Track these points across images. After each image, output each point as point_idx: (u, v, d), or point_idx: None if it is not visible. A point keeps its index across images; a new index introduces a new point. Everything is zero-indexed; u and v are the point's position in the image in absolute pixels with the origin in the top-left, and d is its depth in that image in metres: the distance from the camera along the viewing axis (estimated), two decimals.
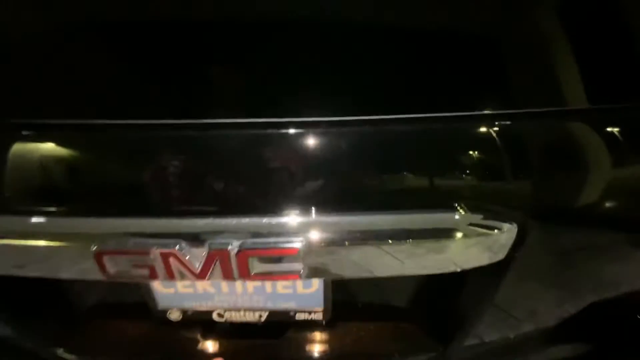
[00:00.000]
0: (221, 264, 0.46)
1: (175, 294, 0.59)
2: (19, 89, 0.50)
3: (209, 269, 0.47)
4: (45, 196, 0.49)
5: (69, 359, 0.63)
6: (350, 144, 0.47)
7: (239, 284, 0.59)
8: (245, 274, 0.47)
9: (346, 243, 0.46)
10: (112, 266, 0.47)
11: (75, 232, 0.47)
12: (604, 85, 0.53)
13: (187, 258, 0.46)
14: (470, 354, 0.66)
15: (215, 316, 0.62)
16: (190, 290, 0.59)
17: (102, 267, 0.47)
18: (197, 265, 0.46)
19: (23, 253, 0.48)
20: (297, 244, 0.45)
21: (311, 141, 0.46)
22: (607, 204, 0.54)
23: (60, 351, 0.63)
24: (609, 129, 0.50)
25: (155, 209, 0.47)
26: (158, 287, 0.58)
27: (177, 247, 0.45)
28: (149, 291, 0.59)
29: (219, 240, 0.46)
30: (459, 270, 0.49)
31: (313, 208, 0.46)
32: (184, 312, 0.61)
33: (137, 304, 0.61)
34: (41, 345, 0.64)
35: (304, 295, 0.59)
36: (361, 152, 0.48)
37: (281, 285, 0.58)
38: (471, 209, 0.47)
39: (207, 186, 0.46)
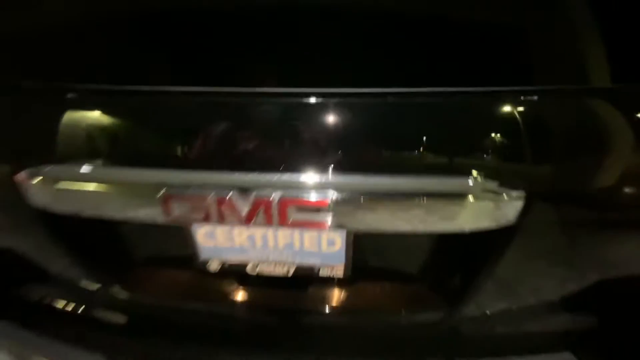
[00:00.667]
0: (264, 211, 0.54)
1: (216, 247, 0.66)
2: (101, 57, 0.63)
3: (254, 214, 0.55)
4: (129, 149, 0.61)
5: (122, 297, 0.72)
6: (379, 113, 0.56)
7: (271, 239, 0.65)
8: (283, 221, 0.55)
9: (369, 200, 0.54)
10: (176, 208, 0.56)
11: (147, 179, 0.57)
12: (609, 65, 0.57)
13: (236, 204, 0.54)
14: (473, 318, 0.70)
15: (248, 269, 0.68)
16: (228, 244, 0.65)
17: (167, 210, 0.56)
18: (244, 211, 0.54)
19: (104, 197, 0.59)
20: (327, 198, 0.54)
21: (343, 111, 0.55)
22: (614, 183, 0.57)
23: (115, 289, 0.72)
24: (617, 107, 0.54)
25: (213, 163, 0.57)
26: (201, 239, 0.65)
27: (230, 195, 0.54)
28: (193, 243, 0.65)
29: (264, 191, 0.54)
30: (469, 230, 0.55)
31: (343, 168, 0.55)
32: (222, 263, 0.68)
33: (182, 255, 0.68)
34: (99, 284, 0.72)
35: (327, 254, 0.65)
36: (390, 122, 0.56)
37: (308, 243, 0.64)
38: (484, 176, 0.53)
39: (256, 147, 0.56)
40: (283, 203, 0.54)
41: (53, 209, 0.59)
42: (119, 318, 0.75)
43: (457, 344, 0.73)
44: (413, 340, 0.73)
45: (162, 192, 0.55)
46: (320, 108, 0.55)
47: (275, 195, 0.54)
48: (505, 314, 0.70)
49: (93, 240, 0.70)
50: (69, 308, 0.75)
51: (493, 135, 0.55)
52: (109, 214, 0.60)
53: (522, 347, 0.72)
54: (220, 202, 0.54)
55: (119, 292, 0.72)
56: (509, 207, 0.54)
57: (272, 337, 0.73)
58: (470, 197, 0.53)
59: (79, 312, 0.75)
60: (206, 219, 0.56)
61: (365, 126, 0.56)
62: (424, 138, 0.55)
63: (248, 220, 0.55)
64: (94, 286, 0.73)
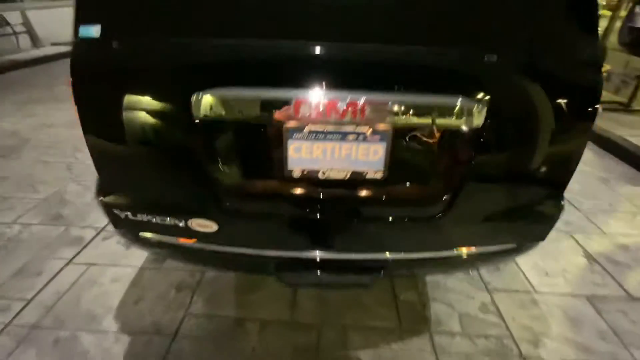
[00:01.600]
0: (352, 111, 0.84)
1: (299, 159, 0.93)
2: None
3: (346, 112, 0.84)
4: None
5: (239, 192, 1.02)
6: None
7: (337, 151, 0.92)
8: (362, 117, 0.85)
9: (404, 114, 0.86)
10: (303, 110, 0.84)
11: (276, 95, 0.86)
12: None
13: (338, 105, 0.83)
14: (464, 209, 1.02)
15: (320, 174, 0.96)
16: (308, 156, 0.93)
17: (296, 111, 0.84)
18: (341, 109, 0.83)
19: (242, 105, 0.88)
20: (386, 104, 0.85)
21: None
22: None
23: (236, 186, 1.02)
24: None
25: (323, 83, 0.84)
26: (291, 154, 0.92)
27: (333, 97, 0.84)
28: (285, 157, 0.93)
29: (354, 96, 0.84)
30: (459, 129, 0.88)
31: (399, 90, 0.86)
32: (302, 171, 0.96)
33: (276, 168, 0.96)
34: (230, 180, 1.00)
35: (372, 161, 0.94)
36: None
37: (361, 154, 0.92)
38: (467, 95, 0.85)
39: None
40: (364, 105, 0.83)
41: (209, 117, 0.87)
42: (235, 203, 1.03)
43: (450, 230, 1.07)
44: (422, 227, 1.07)
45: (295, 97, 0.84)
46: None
47: (360, 100, 0.83)
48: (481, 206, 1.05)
49: (228, 144, 0.97)
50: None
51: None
52: (246, 117, 0.88)
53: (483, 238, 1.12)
54: (331, 104, 0.84)
55: (238, 189, 1.03)
56: (479, 114, 0.87)
57: (333, 222, 1.08)
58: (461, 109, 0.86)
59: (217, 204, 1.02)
60: (318, 116, 0.85)
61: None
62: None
63: (342, 116, 0.84)
64: (229, 180, 1.00)
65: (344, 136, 0.90)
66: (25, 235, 1.97)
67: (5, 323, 1.44)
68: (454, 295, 1.62)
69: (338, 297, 1.59)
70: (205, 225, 1.02)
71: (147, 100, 0.89)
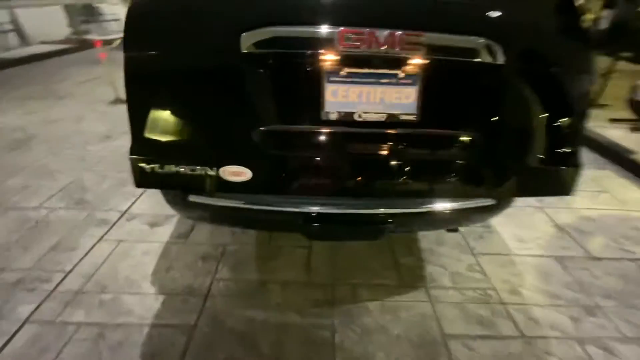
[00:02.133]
0: (392, 39, 0.95)
1: (336, 102, 1.04)
2: None
3: (388, 41, 0.95)
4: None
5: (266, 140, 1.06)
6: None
7: (372, 95, 1.03)
8: (400, 45, 0.96)
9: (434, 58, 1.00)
10: (347, 39, 0.94)
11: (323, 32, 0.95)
12: None
13: (378, 36, 0.94)
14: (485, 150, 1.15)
15: (356, 116, 1.06)
16: (344, 99, 1.04)
17: (340, 39, 0.94)
18: (382, 40, 0.95)
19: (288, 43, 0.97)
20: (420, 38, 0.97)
21: None
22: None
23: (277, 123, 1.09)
24: None
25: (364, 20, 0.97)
26: (328, 97, 1.03)
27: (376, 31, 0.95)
28: (322, 101, 1.03)
29: (394, 30, 0.95)
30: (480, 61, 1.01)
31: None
32: (339, 113, 1.05)
33: (313, 110, 1.05)
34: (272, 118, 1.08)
35: (406, 104, 1.05)
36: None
37: (394, 97, 1.04)
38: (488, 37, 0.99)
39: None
40: (402, 36, 0.95)
41: (257, 52, 0.96)
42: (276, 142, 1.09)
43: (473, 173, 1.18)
44: (446, 168, 1.17)
45: (339, 28, 0.94)
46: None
47: (398, 32, 0.95)
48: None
49: (270, 84, 1.03)
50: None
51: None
52: (287, 56, 1.00)
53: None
54: (371, 35, 0.94)
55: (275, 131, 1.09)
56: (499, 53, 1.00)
57: (368, 160, 1.14)
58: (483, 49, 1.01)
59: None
60: (363, 44, 0.94)
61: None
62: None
63: (383, 44, 0.95)
64: (268, 121, 1.08)
65: (378, 79, 1.01)
66: (53, 218, 2.11)
67: (50, 290, 1.60)
68: (445, 259, 1.89)
69: (347, 261, 1.83)
70: (239, 173, 1.05)
71: (198, 38, 0.98)
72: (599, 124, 3.70)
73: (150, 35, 1.00)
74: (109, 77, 4.16)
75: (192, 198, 1.28)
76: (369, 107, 1.04)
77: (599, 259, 1.94)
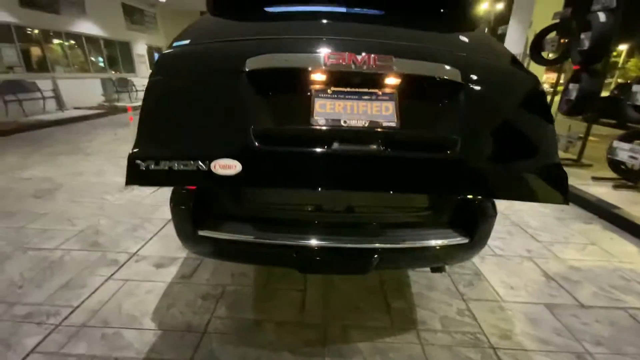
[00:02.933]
0: (367, 61, 1.16)
1: (324, 112, 1.20)
2: None
3: (362, 60, 1.16)
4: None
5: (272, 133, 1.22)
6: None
7: (355, 108, 1.21)
8: (374, 64, 1.17)
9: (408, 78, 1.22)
10: (327, 60, 1.16)
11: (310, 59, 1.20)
12: None
13: (355, 58, 1.17)
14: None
15: (342, 122, 1.20)
16: (331, 110, 1.20)
17: (325, 61, 1.16)
18: (360, 58, 1.17)
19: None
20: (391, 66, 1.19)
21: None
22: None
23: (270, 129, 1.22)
24: None
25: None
26: (317, 108, 1.20)
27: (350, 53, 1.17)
28: (311, 111, 1.19)
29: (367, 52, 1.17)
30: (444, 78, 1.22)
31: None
32: (327, 120, 1.20)
33: (302, 119, 1.20)
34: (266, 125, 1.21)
35: (386, 115, 1.22)
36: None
37: (375, 110, 1.22)
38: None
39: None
40: (374, 59, 1.17)
41: (257, 69, 1.18)
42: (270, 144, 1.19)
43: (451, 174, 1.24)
44: (425, 168, 1.23)
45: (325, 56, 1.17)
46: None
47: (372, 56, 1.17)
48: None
49: (266, 97, 1.21)
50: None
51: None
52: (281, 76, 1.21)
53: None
54: (348, 58, 1.17)
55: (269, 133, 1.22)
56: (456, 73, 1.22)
57: (353, 158, 1.20)
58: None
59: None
60: (341, 60, 1.16)
61: None
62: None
63: (360, 62, 1.16)
64: (262, 125, 1.20)
65: (360, 96, 1.20)
66: (67, 259, 2.26)
67: (57, 324, 1.69)
68: (436, 304, 1.95)
69: (340, 304, 1.90)
70: (229, 166, 1.13)
71: (212, 61, 1.26)
72: (583, 182, 3.94)
73: (172, 69, 1.29)
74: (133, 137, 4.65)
75: (202, 233, 1.47)
76: (354, 116, 1.21)
77: (588, 306, 1.98)
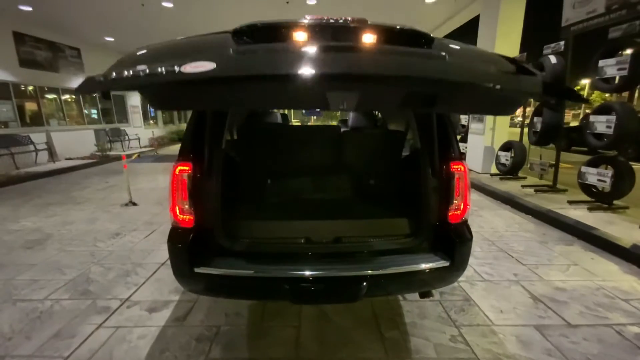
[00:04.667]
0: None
1: None
2: None
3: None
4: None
5: None
6: None
7: None
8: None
9: None
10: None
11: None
12: None
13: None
14: None
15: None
16: None
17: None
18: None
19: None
20: None
21: None
22: None
23: None
24: None
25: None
26: None
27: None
28: None
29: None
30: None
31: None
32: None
33: None
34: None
35: None
36: None
37: None
38: None
39: None
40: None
41: None
42: None
43: None
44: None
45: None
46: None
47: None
48: None
49: None
50: None
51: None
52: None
53: None
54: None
55: None
56: None
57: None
58: None
59: None
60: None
61: None
62: None
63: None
64: None
65: None
66: (57, 308, 2.23)
67: None
68: (429, 332, 1.98)
69: (334, 337, 1.91)
70: (200, 66, 0.98)
71: None
72: (560, 207, 4.14)
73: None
74: (126, 184, 4.76)
75: (198, 270, 1.54)
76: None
77: (576, 325, 2.03)
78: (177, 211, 1.59)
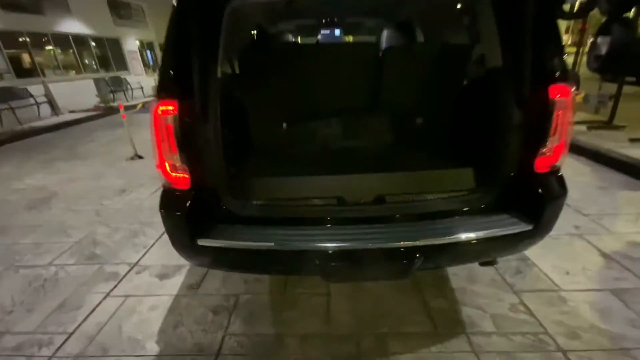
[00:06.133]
0: None
1: None
2: None
3: None
4: None
5: None
6: None
7: None
8: None
9: None
10: None
11: None
12: None
13: None
14: None
15: None
16: None
17: None
18: None
19: None
20: None
21: None
22: None
23: None
24: None
25: None
26: None
27: None
28: None
29: None
30: None
31: None
32: None
33: None
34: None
35: None
36: None
37: None
38: None
39: None
40: None
41: None
42: None
43: None
44: None
45: None
46: None
47: None
48: None
49: None
50: None
51: None
52: None
53: None
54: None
55: None
56: None
57: None
58: None
59: None
60: None
61: None
62: None
63: None
64: None
65: None
66: (62, 275, 2.04)
67: (49, 356, 1.47)
68: (482, 299, 1.67)
69: (370, 308, 1.64)
70: None
71: None
72: (620, 145, 3.55)
73: None
74: (129, 137, 4.40)
75: (202, 242, 1.20)
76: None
77: None
78: (167, 168, 1.21)
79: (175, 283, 1.90)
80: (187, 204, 1.21)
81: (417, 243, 1.14)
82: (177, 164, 1.19)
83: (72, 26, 9.73)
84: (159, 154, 1.19)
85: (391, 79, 1.69)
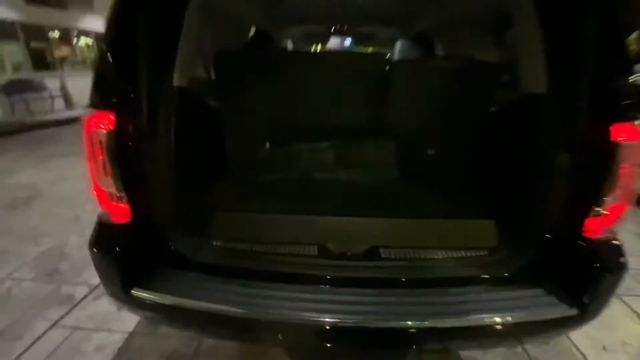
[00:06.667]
0: None
1: None
2: None
3: None
4: None
5: None
6: None
7: None
8: None
9: None
10: None
11: None
12: None
13: None
14: None
15: None
16: None
17: None
18: None
19: None
20: None
21: None
22: None
23: None
24: None
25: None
26: None
27: None
28: None
29: None
30: None
31: None
32: None
33: None
34: None
35: None
36: None
37: None
38: None
39: None
40: None
41: None
42: None
43: None
44: None
45: None
46: None
47: None
48: None
49: None
50: None
51: None
52: None
53: None
54: None
55: None
56: None
57: None
58: None
59: None
60: None
61: None
62: None
63: None
64: None
65: None
66: (15, 293, 1.82)
67: None
68: None
69: None
70: None
71: None
72: None
73: None
74: None
75: (136, 292, 0.94)
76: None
77: None
78: (101, 195, 0.96)
79: (133, 317, 1.64)
80: (123, 241, 0.95)
81: (418, 325, 0.84)
82: (113, 191, 0.94)
83: (94, 23, 9.92)
84: (92, 177, 0.95)
85: (399, 98, 1.38)
